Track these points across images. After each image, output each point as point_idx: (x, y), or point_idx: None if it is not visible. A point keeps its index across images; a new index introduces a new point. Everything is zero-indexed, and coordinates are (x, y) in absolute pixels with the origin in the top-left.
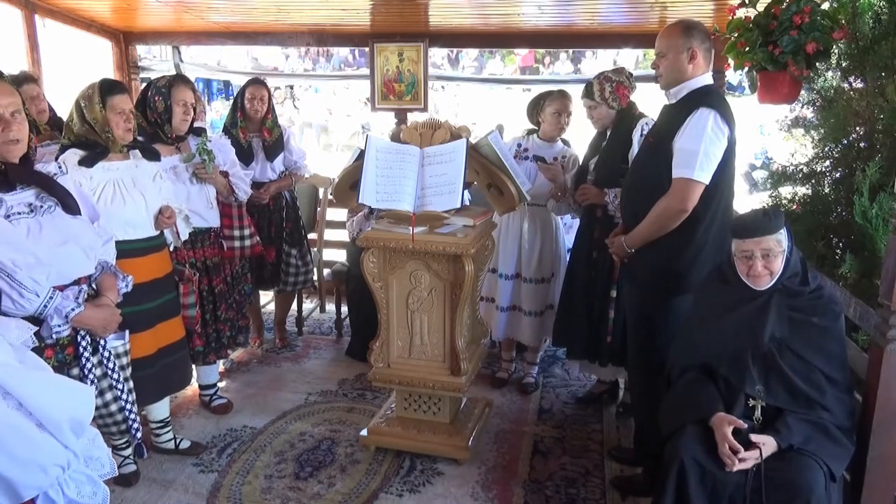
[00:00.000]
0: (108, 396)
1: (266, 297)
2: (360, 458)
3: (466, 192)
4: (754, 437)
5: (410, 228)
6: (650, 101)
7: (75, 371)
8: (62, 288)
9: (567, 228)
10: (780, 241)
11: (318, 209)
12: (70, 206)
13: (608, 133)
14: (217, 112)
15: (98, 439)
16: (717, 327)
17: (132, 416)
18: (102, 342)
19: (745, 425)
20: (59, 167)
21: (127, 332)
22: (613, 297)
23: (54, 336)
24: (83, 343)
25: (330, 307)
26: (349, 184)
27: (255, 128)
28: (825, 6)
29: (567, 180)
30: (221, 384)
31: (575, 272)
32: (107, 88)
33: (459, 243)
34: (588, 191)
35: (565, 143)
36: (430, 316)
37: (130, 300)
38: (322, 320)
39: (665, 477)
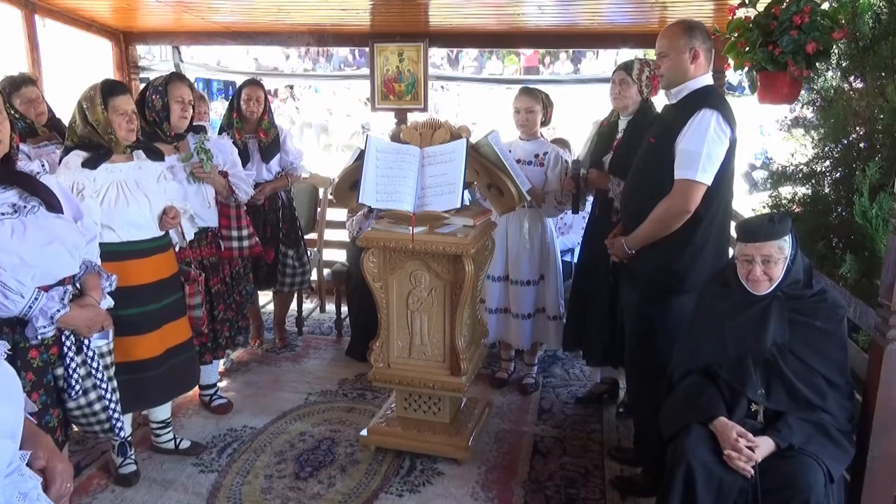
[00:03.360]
0: (92, 396)
1: (266, 298)
2: (360, 458)
3: (466, 192)
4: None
5: (410, 228)
6: (654, 101)
7: (59, 371)
8: (47, 288)
9: (567, 228)
10: (781, 247)
11: (318, 209)
12: (53, 205)
13: (620, 127)
14: (217, 112)
15: (32, 494)
16: (718, 332)
17: (115, 415)
18: (86, 342)
19: (751, 435)
20: (42, 165)
21: (111, 331)
22: None
23: (39, 337)
24: (67, 343)
25: (330, 307)
26: (349, 184)
27: (251, 129)
28: (825, 6)
29: (551, 178)
30: (221, 384)
31: (588, 277)
32: (108, 90)
33: (459, 243)
34: (595, 177)
35: (563, 142)
36: (430, 316)
37: (135, 301)
38: (322, 320)
39: (671, 478)
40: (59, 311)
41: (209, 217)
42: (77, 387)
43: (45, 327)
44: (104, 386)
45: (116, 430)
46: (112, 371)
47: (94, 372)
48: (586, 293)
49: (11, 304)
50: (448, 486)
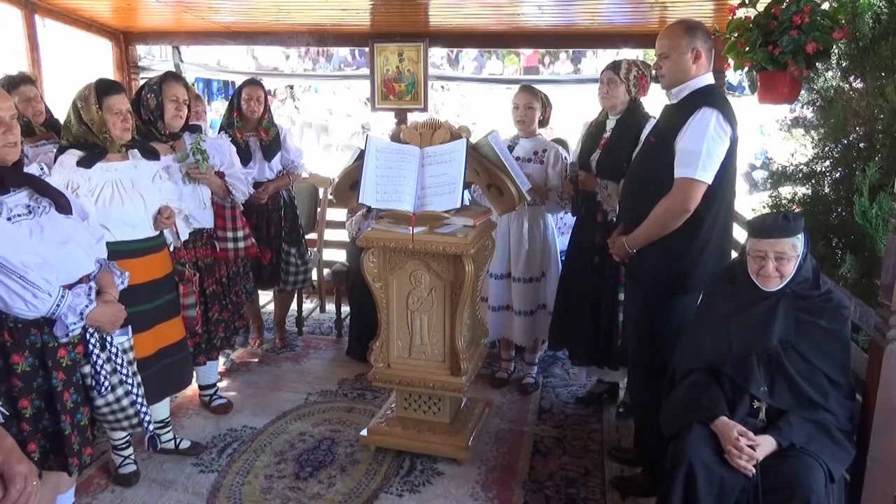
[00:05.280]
0: (120, 391)
1: (266, 297)
2: (360, 458)
3: (466, 191)
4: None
5: (410, 228)
6: (648, 101)
7: (86, 369)
8: (68, 287)
9: (567, 228)
10: (795, 245)
11: (318, 209)
12: (63, 205)
13: (608, 126)
14: (217, 112)
15: None
16: (723, 328)
17: (143, 408)
18: (109, 339)
19: (752, 434)
20: (41, 167)
21: (129, 327)
22: (621, 301)
23: (70, 334)
24: (92, 341)
25: (330, 307)
26: (349, 184)
27: (252, 128)
28: (825, 6)
29: (552, 176)
30: (221, 384)
31: (573, 276)
32: (103, 89)
33: (459, 243)
34: (587, 179)
35: (562, 142)
36: (430, 316)
37: (129, 301)
38: (322, 320)
39: (672, 478)
40: (87, 306)
41: (205, 218)
42: (105, 383)
43: (75, 324)
44: (130, 381)
45: (145, 424)
46: (135, 366)
47: (119, 368)
48: (571, 292)
49: (40, 303)
50: (448, 486)
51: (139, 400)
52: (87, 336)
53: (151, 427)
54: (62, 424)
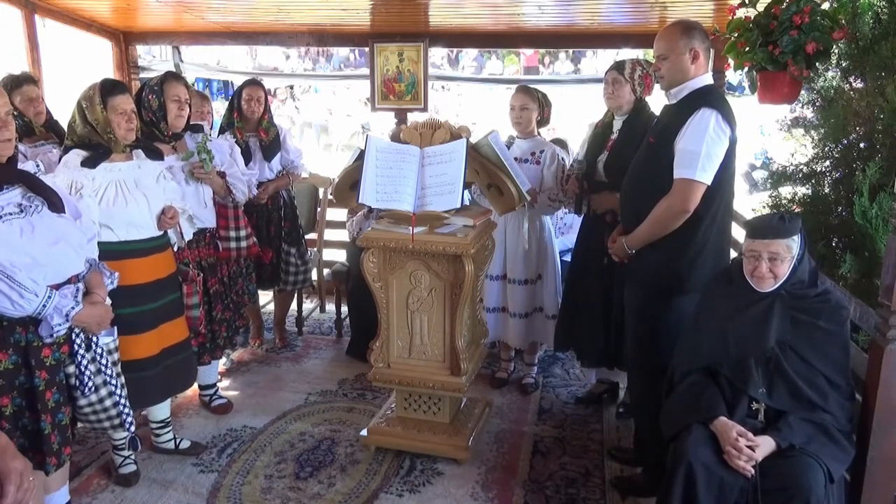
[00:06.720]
0: (103, 392)
1: (266, 298)
2: (360, 458)
3: (466, 191)
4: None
5: (410, 228)
6: (653, 100)
7: (71, 369)
8: (56, 287)
9: (567, 228)
10: (789, 246)
11: (318, 209)
12: (56, 204)
13: (615, 127)
14: (217, 112)
15: None
16: (721, 330)
17: (126, 409)
18: (94, 339)
19: (751, 435)
20: (36, 164)
21: (115, 328)
22: None
23: (54, 335)
24: (77, 341)
25: (330, 307)
26: (349, 184)
27: (252, 128)
28: (825, 6)
29: (547, 176)
30: (221, 384)
31: (581, 278)
32: (108, 89)
33: (459, 243)
34: (603, 199)
35: (561, 142)
36: (430, 316)
37: (133, 301)
38: (322, 320)
39: (672, 478)
40: (73, 308)
41: (207, 217)
42: (89, 383)
43: (60, 325)
44: (114, 382)
45: (126, 425)
46: (119, 367)
47: (103, 368)
48: (578, 293)
49: (27, 303)
50: (448, 486)
51: (122, 401)
52: (73, 336)
53: (132, 428)
54: (42, 423)
